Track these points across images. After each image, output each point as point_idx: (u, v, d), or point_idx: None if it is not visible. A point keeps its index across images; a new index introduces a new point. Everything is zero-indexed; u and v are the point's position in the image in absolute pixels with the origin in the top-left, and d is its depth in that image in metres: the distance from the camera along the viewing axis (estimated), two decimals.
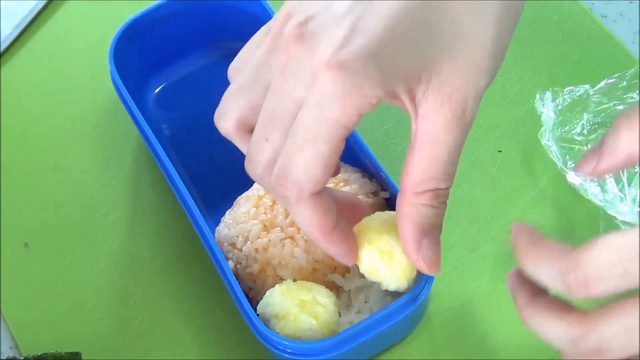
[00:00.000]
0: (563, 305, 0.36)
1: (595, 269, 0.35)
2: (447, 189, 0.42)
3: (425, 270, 0.43)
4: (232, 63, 0.46)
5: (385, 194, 0.51)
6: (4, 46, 0.63)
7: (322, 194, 0.41)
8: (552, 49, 0.61)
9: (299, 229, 0.49)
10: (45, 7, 0.65)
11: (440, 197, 0.42)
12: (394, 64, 0.39)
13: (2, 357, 0.53)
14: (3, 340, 0.54)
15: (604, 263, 0.34)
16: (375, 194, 0.51)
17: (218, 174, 0.57)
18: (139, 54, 0.58)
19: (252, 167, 0.43)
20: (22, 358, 0.50)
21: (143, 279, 0.55)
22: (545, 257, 0.36)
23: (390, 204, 0.51)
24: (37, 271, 0.56)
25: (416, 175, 0.41)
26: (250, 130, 0.43)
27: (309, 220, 0.42)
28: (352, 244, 0.44)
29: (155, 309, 0.54)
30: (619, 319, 0.35)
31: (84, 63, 0.63)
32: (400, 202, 0.42)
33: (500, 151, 0.58)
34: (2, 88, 0.62)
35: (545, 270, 0.36)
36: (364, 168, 0.52)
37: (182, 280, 0.55)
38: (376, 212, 0.47)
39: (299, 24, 0.40)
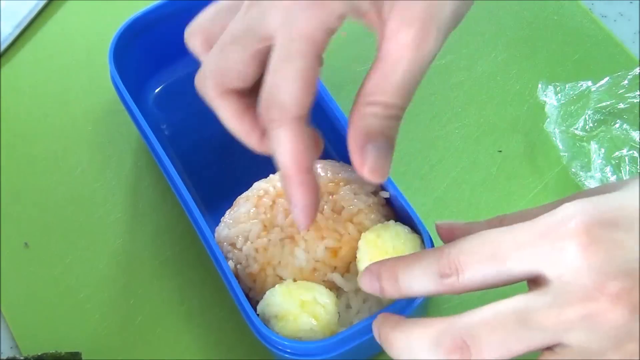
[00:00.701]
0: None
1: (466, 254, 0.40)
2: (399, 107, 0.42)
3: (369, 177, 0.42)
4: None
5: (385, 194, 0.51)
6: (4, 46, 0.63)
7: (305, 125, 0.42)
8: (552, 49, 0.61)
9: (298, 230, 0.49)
10: (45, 7, 0.65)
11: (389, 110, 0.42)
12: None
13: (2, 357, 0.53)
14: (3, 340, 0.54)
15: (473, 247, 0.40)
16: (375, 193, 0.51)
17: (218, 174, 0.57)
18: (138, 54, 0.58)
19: (202, 76, 0.45)
20: (22, 358, 0.50)
21: (143, 279, 0.55)
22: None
23: (390, 203, 0.51)
24: (37, 271, 0.56)
25: (368, 87, 0.42)
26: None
27: (288, 147, 0.42)
28: (317, 202, 0.44)
29: (155, 309, 0.54)
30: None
31: (84, 63, 0.63)
32: (352, 112, 0.42)
33: (500, 151, 0.58)
34: (2, 88, 0.62)
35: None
36: None
37: (182, 280, 0.55)
38: (384, 225, 0.48)
39: None
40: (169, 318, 0.54)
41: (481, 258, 0.40)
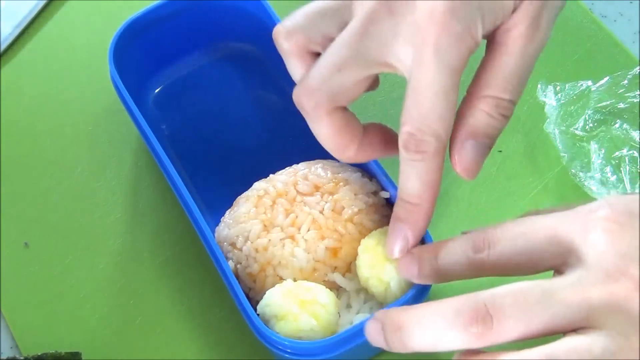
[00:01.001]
0: None
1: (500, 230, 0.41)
2: (510, 101, 0.43)
3: (460, 173, 0.44)
4: None
5: (385, 194, 0.51)
6: (4, 46, 0.63)
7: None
8: (552, 48, 0.61)
9: (299, 229, 0.49)
10: (45, 7, 0.65)
11: (500, 108, 0.43)
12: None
13: (2, 357, 0.53)
14: (3, 340, 0.54)
15: (508, 226, 0.41)
16: (375, 193, 0.51)
17: (218, 174, 0.57)
18: (138, 54, 0.58)
19: (311, 93, 0.45)
20: (22, 358, 0.50)
21: (143, 279, 0.55)
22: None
23: (390, 203, 0.51)
24: (37, 271, 0.56)
25: (481, 80, 0.43)
26: (311, 54, 0.45)
27: (432, 177, 0.43)
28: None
29: (155, 309, 0.54)
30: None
31: (84, 63, 0.63)
32: (462, 103, 0.44)
33: (500, 151, 0.58)
34: (2, 88, 0.62)
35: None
36: (364, 168, 0.52)
37: (182, 280, 0.55)
38: (384, 230, 0.48)
39: None
40: (169, 318, 0.54)
41: (513, 234, 0.40)
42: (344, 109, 0.45)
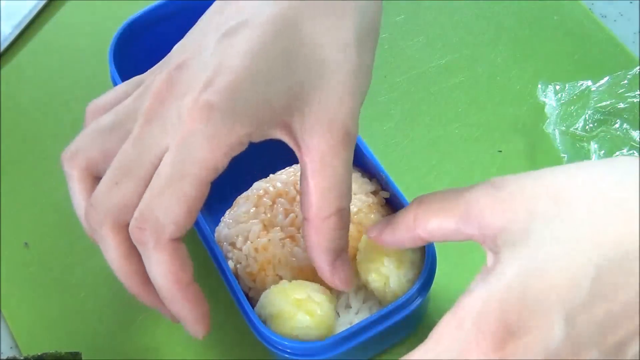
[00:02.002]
0: None
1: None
2: (348, 205, 0.43)
3: (341, 288, 0.44)
4: (95, 100, 0.45)
5: (385, 194, 0.51)
6: (4, 46, 0.63)
7: (181, 243, 0.41)
8: (552, 49, 0.62)
9: (298, 229, 0.49)
10: (45, 7, 0.65)
11: (345, 217, 0.43)
12: (261, 98, 0.39)
13: (2, 357, 0.53)
14: (3, 340, 0.54)
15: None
16: (374, 193, 0.51)
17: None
18: (138, 55, 0.58)
19: (95, 212, 0.41)
20: (22, 358, 0.50)
21: None
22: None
23: (390, 203, 0.51)
24: (37, 271, 0.56)
25: (317, 202, 0.41)
26: (94, 177, 0.42)
27: (167, 268, 0.40)
28: (207, 309, 0.43)
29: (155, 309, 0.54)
30: None
31: (84, 63, 0.63)
32: (307, 230, 0.42)
33: (500, 151, 0.58)
34: (2, 88, 0.62)
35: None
36: (364, 168, 0.52)
37: None
38: None
39: (169, 71, 0.41)
40: None
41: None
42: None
